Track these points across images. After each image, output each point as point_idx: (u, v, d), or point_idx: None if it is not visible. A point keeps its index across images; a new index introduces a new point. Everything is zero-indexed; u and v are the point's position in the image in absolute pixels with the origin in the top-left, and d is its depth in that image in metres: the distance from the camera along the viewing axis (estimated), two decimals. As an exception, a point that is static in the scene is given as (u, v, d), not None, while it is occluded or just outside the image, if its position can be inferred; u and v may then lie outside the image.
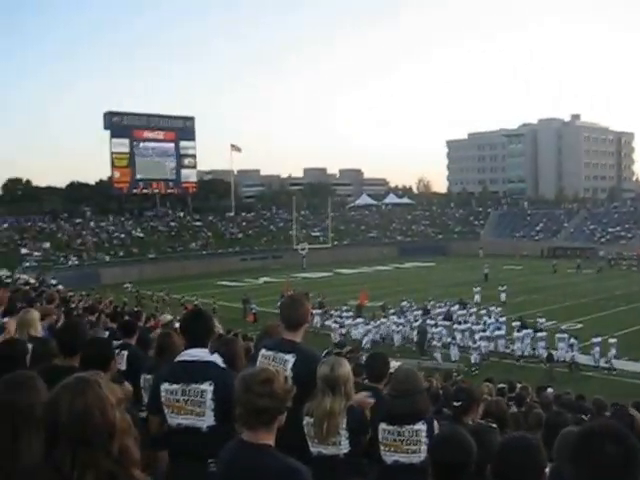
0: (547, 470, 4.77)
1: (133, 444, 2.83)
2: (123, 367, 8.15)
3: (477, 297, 49.67)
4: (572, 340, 33.37)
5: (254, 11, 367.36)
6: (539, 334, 35.45)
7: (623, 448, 2.59)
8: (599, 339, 33.05)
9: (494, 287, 52.86)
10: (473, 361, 33.55)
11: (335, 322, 40.49)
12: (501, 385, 17.04)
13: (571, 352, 33.05)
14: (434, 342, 36.00)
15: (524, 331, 35.71)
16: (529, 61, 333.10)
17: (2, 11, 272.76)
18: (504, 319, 39.57)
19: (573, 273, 72.27)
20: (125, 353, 8.52)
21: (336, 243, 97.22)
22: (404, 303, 45.60)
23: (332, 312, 42.74)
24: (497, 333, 36.66)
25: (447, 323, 38.90)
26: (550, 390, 18.68)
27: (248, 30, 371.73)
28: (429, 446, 4.46)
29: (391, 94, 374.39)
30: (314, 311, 42.38)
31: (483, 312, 42.06)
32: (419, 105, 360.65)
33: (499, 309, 43.11)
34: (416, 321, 39.69)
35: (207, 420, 4.97)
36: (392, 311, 42.48)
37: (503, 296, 50.07)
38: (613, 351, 32.49)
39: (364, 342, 37.14)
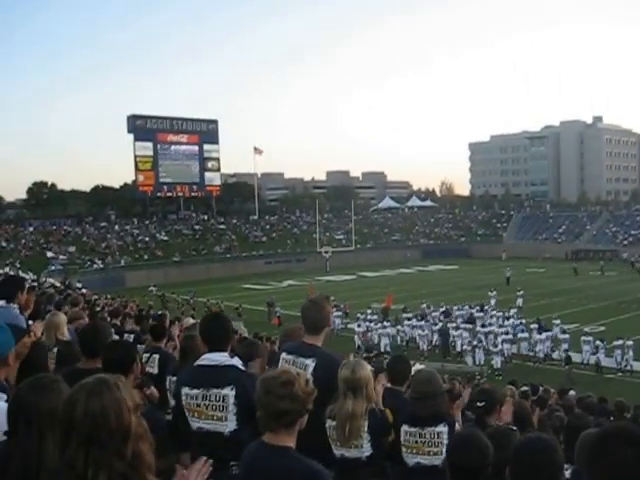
0: (568, 472, 4.88)
1: (148, 449, 2.84)
2: (155, 371, 8.23)
3: (493, 301, 49.04)
4: (597, 342, 33.19)
5: (271, 10, 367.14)
6: (561, 336, 35.37)
7: (638, 451, 2.59)
8: (621, 342, 32.78)
9: (515, 291, 52.60)
10: (495, 366, 33.32)
11: (359, 325, 40.40)
12: (524, 388, 17.07)
13: (596, 354, 32.89)
14: (465, 346, 35.93)
15: (545, 333, 35.68)
16: (552, 63, 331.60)
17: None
18: (521, 321, 39.49)
19: (596, 275, 71.77)
20: (157, 357, 8.57)
21: (359, 246, 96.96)
22: (423, 306, 45.51)
23: (358, 315, 42.56)
24: (520, 335, 36.45)
25: (469, 326, 38.82)
26: (572, 393, 18.67)
27: (271, 31, 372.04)
28: (446, 448, 4.47)
29: (414, 97, 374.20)
30: (335, 313, 42.47)
31: (502, 315, 41.78)
32: (442, 108, 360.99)
33: (513, 311, 43.01)
34: (435, 324, 39.51)
35: (229, 425, 4.95)
36: (411, 314, 42.28)
37: (520, 301, 49.06)
38: (631, 353, 32.37)
39: (382, 346, 37.18)
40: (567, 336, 35.33)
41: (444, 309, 44.03)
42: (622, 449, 2.59)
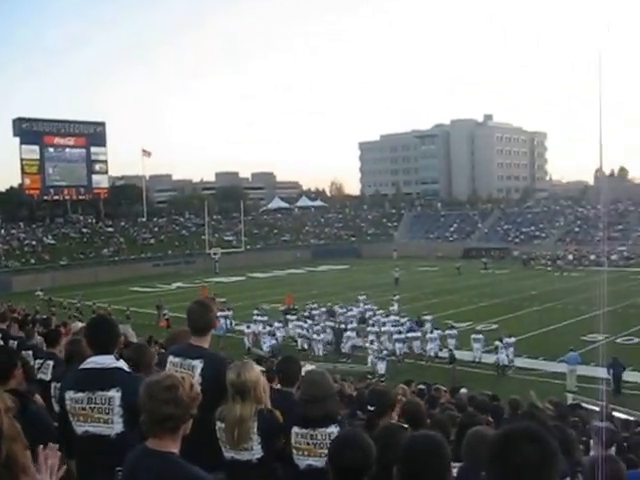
0: (455, 470, 4.81)
1: (21, 450, 2.85)
2: (48, 377, 7.96)
3: (395, 305, 47.15)
4: (497, 342, 33.47)
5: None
6: (429, 334, 36.09)
7: (541, 449, 2.62)
8: (513, 339, 33.44)
9: (405, 291, 53.15)
10: (380, 372, 32.76)
11: (248, 327, 40.25)
12: (421, 386, 16.97)
13: (497, 354, 33.26)
14: (367, 344, 35.71)
15: (436, 332, 36.12)
16: (442, 61, 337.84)
17: None
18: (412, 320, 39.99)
19: (488, 273, 73.53)
20: (51, 363, 8.31)
21: (249, 247, 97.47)
22: (309, 306, 45.67)
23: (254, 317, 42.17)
24: (411, 334, 36.83)
25: (361, 325, 39.15)
26: (463, 391, 18.77)
27: (155, 30, 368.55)
28: (328, 450, 4.31)
29: (303, 97, 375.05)
30: (220, 314, 42.65)
31: (394, 315, 41.72)
32: (332, 107, 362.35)
33: (393, 313, 42.64)
34: (324, 324, 39.52)
35: (115, 427, 4.89)
36: (298, 315, 42.69)
37: (395, 306, 46.67)
38: (511, 349, 33.05)
39: (268, 347, 37.09)
40: (454, 332, 36.11)
41: (328, 309, 44.57)
42: (524, 447, 2.61)
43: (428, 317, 40.44)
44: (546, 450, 2.62)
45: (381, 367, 32.34)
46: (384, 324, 38.79)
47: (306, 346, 38.03)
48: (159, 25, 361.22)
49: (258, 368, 5.49)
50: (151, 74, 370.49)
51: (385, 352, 33.85)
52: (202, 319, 5.81)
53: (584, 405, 19.31)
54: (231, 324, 43.35)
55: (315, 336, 37.81)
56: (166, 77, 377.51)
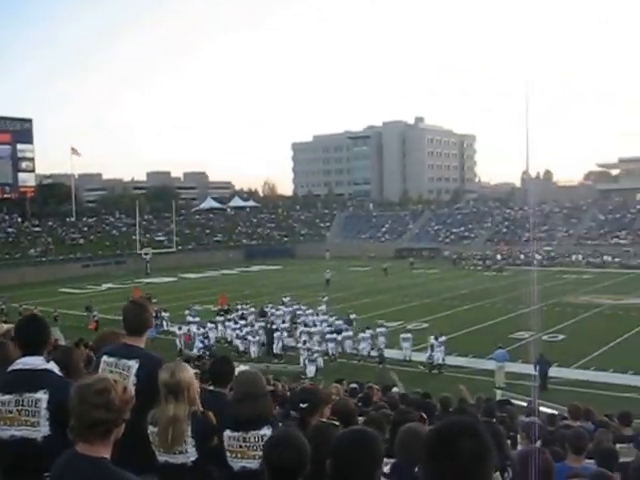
0: (387, 467, 4.92)
1: None
2: None
3: (324, 306, 46.50)
4: (432, 341, 33.70)
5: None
6: (361, 334, 36.21)
7: (477, 443, 2.60)
8: (444, 338, 33.87)
9: (337, 291, 53.26)
10: (309, 375, 32.96)
11: (180, 328, 39.96)
12: (353, 385, 17.04)
13: (430, 352, 33.50)
14: (299, 344, 35.77)
15: (368, 331, 36.23)
16: (376, 64, 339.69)
17: None
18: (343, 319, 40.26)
19: (421, 273, 74.20)
20: None
21: (181, 247, 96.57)
22: (239, 306, 45.59)
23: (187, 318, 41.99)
24: (344, 334, 36.98)
25: (293, 325, 39.35)
26: (395, 389, 18.90)
27: (84, 29, 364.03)
28: (263, 450, 4.23)
29: (236, 97, 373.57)
30: (164, 314, 43.07)
31: (322, 315, 41.96)
32: (264, 108, 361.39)
33: (322, 314, 42.65)
34: (253, 325, 39.33)
35: (42, 430, 4.73)
36: (231, 316, 42.54)
37: (324, 307, 46.01)
38: (442, 348, 33.39)
39: (196, 348, 36.88)
40: (384, 329, 36.31)
41: (258, 309, 44.49)
42: (461, 442, 2.59)
43: (352, 316, 40.79)
44: (482, 444, 2.62)
45: (311, 370, 32.23)
46: (314, 324, 38.93)
47: (241, 347, 37.77)
48: (92, 23, 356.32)
49: (191, 369, 5.40)
50: (82, 72, 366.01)
51: (316, 354, 33.80)
52: (138, 319, 5.70)
53: (513, 401, 19.58)
54: (162, 325, 42.99)
55: (250, 337, 37.64)
56: (97, 76, 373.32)
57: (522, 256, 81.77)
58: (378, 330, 36.01)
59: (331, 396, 7.84)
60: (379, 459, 3.53)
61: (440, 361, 33.07)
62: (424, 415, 9.50)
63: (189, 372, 5.18)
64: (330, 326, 38.39)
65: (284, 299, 48.62)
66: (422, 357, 34.06)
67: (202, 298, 53.34)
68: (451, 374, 31.65)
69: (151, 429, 5.08)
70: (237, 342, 38.45)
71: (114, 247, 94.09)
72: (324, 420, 5.86)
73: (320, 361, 33.55)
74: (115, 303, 44.35)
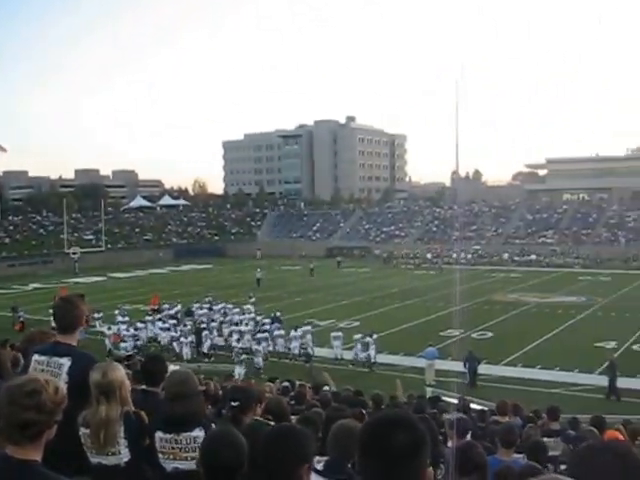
0: (321, 465, 4.85)
1: None
2: None
3: (252, 307, 45.26)
4: (368, 339, 33.94)
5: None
6: (293, 333, 36.27)
7: (412, 435, 2.60)
8: (375, 336, 34.09)
9: (268, 290, 53.26)
10: (257, 365, 33.21)
11: (109, 328, 39.62)
12: (285, 384, 17.05)
13: (367, 351, 33.69)
14: (233, 343, 35.77)
15: (300, 330, 36.32)
16: (307, 62, 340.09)
17: None
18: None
19: (352, 272, 74.45)
20: None
21: (110, 246, 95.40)
22: (165, 306, 45.34)
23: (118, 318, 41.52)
24: (276, 333, 36.98)
25: (222, 324, 39.33)
26: (327, 388, 18.94)
27: (18, 25, 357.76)
28: (200, 450, 4.21)
29: (166, 94, 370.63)
30: (96, 315, 42.27)
31: (248, 314, 41.76)
32: (194, 106, 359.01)
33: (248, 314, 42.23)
34: (190, 326, 39.04)
35: None
36: (162, 315, 42.30)
37: (251, 308, 44.61)
38: (373, 346, 33.63)
39: (124, 348, 36.21)
40: (309, 328, 36.50)
41: (185, 309, 44.56)
42: (396, 434, 2.59)
43: (278, 314, 40.86)
44: (417, 436, 2.62)
45: (239, 372, 31.73)
46: (243, 322, 39.06)
47: (177, 349, 37.29)
48: (21, 19, 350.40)
49: (122, 370, 5.31)
50: (7, 67, 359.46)
51: (243, 355, 33.73)
52: (68, 316, 5.58)
53: (443, 398, 19.79)
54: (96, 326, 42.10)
55: (183, 339, 37.42)
56: (23, 71, 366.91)
57: (454, 255, 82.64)
58: (304, 329, 36.15)
59: (264, 394, 7.84)
60: (305, 456, 3.52)
61: (373, 359, 33.28)
62: (363, 411, 9.54)
63: (121, 372, 5.11)
64: (257, 324, 38.57)
65: (206, 298, 48.43)
66: (353, 355, 34.25)
67: (131, 298, 52.89)
68: (382, 372, 31.90)
69: (83, 431, 4.99)
70: (171, 344, 37.96)
71: (41, 246, 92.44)
72: (258, 418, 5.87)
73: (260, 361, 33.57)
74: (42, 303, 43.80)
